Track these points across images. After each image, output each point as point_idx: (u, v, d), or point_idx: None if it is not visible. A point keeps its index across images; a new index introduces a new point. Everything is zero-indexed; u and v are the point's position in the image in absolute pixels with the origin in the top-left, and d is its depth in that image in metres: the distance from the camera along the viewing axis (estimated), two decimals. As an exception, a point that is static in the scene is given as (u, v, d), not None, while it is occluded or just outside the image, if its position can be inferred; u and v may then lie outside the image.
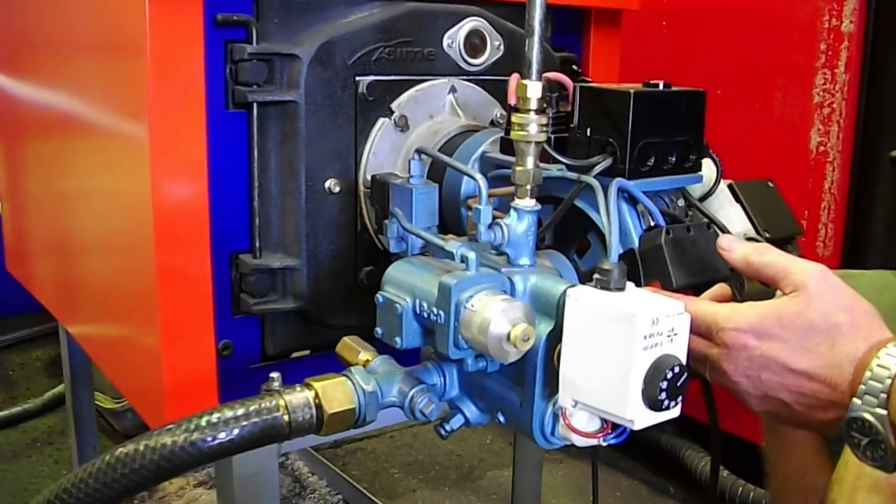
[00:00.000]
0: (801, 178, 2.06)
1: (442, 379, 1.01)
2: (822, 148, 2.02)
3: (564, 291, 0.87)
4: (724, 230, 1.05)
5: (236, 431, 0.89)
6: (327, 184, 1.22)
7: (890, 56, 1.97)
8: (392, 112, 1.25)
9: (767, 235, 1.15)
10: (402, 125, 1.26)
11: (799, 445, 1.26)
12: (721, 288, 0.98)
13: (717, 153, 1.13)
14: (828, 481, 1.09)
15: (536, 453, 1.75)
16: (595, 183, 0.96)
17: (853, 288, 0.91)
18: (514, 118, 0.94)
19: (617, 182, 0.94)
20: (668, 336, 0.83)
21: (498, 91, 1.35)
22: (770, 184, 1.22)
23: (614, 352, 0.82)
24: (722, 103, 2.18)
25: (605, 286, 0.85)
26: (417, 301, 0.95)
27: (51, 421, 2.82)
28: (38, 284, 1.85)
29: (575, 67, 1.51)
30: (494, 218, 0.96)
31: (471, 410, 1.02)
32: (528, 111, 0.93)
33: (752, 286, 0.99)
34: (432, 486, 2.51)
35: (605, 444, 0.90)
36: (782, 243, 1.17)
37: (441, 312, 0.90)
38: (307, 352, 1.33)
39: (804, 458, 1.24)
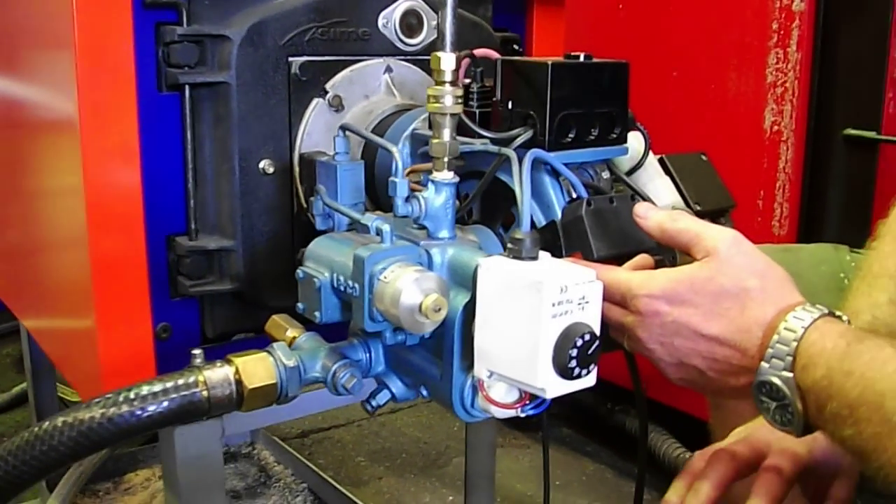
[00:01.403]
0: (756, 158, 2.06)
1: (367, 354, 1.01)
2: (776, 127, 2.03)
3: (479, 262, 0.88)
4: (649, 202, 1.05)
5: (153, 407, 0.90)
6: (261, 164, 1.22)
7: (841, 34, 1.98)
8: (326, 92, 1.25)
9: (698, 208, 1.15)
10: (337, 105, 1.26)
11: (741, 419, 1.26)
12: (642, 258, 0.98)
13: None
14: None
15: (489, 436, 1.75)
16: (512, 154, 0.96)
17: (792, 261, 0.92)
18: (430, 90, 0.95)
19: (532, 154, 0.94)
20: (579, 304, 0.83)
21: (435, 71, 1.35)
22: (703, 157, 1.22)
23: (524, 320, 0.82)
24: (678, 84, 2.19)
25: (516, 255, 0.85)
26: (335, 275, 0.95)
27: (18, 416, 2.81)
28: (-3, 280, 1.85)
29: (517, 47, 1.51)
30: (413, 191, 0.96)
31: (397, 386, 1.02)
32: (442, 83, 0.94)
33: (684, 259, 1.00)
34: (398, 473, 2.52)
35: (523, 414, 0.90)
36: (715, 216, 1.18)
37: (356, 285, 0.90)
38: (251, 334, 1.33)
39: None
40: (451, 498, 2.39)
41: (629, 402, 2.49)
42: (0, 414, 2.82)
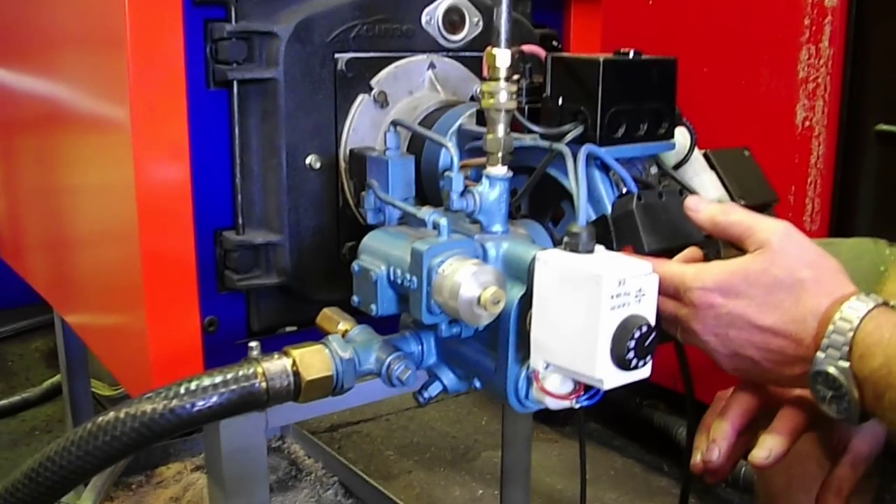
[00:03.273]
0: (787, 153, 2.07)
1: (419, 347, 1.03)
2: (807, 123, 2.03)
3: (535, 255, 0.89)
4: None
5: (214, 398, 0.91)
6: (308, 160, 1.24)
7: (873, 30, 1.99)
8: (371, 88, 1.27)
9: (742, 203, 1.16)
10: (382, 101, 1.27)
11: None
12: (692, 251, 0.99)
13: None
14: (809, 449, 1.09)
15: (525, 430, 1.76)
16: (565, 150, 0.97)
17: (833, 254, 0.92)
18: (484, 87, 0.95)
19: (586, 148, 0.96)
20: (636, 296, 0.84)
21: (477, 67, 1.35)
22: (746, 152, 1.23)
23: (582, 312, 0.83)
24: (709, 80, 2.20)
25: (573, 249, 0.86)
26: (392, 268, 0.97)
27: (49, 410, 2.84)
28: (34, 273, 1.87)
29: (555, 43, 1.52)
30: (467, 187, 0.97)
31: (448, 377, 1.03)
32: (497, 79, 0.95)
33: (728, 252, 1.01)
34: (427, 467, 2.53)
35: (577, 405, 0.91)
36: (758, 210, 1.19)
37: (414, 278, 0.92)
38: (294, 327, 1.35)
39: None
40: (480, 492, 2.40)
41: (657, 396, 2.50)
42: (32, 408, 2.85)
